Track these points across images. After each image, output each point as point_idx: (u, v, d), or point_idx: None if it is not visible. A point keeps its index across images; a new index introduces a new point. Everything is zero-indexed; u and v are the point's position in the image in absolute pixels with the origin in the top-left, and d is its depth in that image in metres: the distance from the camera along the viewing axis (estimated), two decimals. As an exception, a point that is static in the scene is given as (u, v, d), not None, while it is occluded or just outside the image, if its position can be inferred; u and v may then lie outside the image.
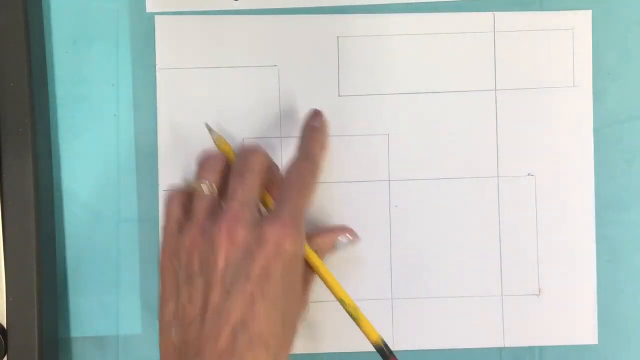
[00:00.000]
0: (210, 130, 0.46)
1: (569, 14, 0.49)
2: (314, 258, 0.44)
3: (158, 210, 0.49)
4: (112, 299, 0.49)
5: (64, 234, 0.49)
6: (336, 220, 0.49)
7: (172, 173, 0.49)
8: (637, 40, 0.50)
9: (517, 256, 0.49)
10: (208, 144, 0.49)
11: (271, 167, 0.44)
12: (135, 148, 0.49)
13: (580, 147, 0.50)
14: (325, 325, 0.50)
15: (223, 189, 0.42)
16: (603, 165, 0.50)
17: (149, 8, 0.49)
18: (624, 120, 0.50)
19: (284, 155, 0.49)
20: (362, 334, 0.45)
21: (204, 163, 0.44)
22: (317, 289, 0.49)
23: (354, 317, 0.45)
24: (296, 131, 0.49)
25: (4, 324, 0.45)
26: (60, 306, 0.49)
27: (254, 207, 0.41)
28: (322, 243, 0.46)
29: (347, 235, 0.48)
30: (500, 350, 0.50)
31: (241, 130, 0.49)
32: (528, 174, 0.50)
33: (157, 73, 0.49)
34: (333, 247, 0.47)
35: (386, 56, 0.49)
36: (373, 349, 0.47)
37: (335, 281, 0.45)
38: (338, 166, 0.49)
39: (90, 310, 0.49)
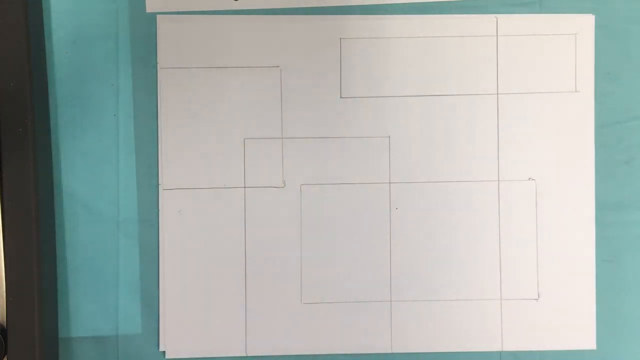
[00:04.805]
0: None
1: (572, 17, 0.49)
2: None
3: (158, 210, 0.49)
4: (112, 299, 0.49)
5: (64, 234, 0.49)
6: (336, 221, 0.49)
7: (173, 173, 0.49)
8: (636, 40, 0.50)
9: (516, 260, 0.50)
10: (209, 144, 0.49)
11: None
12: (135, 148, 0.49)
13: (581, 153, 0.50)
14: (325, 326, 0.50)
15: None
16: (603, 166, 0.50)
17: (149, 8, 0.49)
18: (623, 120, 0.50)
19: (285, 156, 0.49)
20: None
21: None
22: (317, 288, 0.49)
23: None
24: (298, 132, 0.49)
25: (4, 324, 0.45)
26: (60, 306, 0.49)
27: None
28: None
29: None
30: (500, 353, 0.50)
31: (242, 130, 0.49)
32: (529, 179, 0.50)
33: (158, 72, 0.49)
34: None
35: (388, 58, 0.49)
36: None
37: None
38: (339, 168, 0.49)
39: (90, 310, 0.49)
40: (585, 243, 0.50)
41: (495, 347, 0.50)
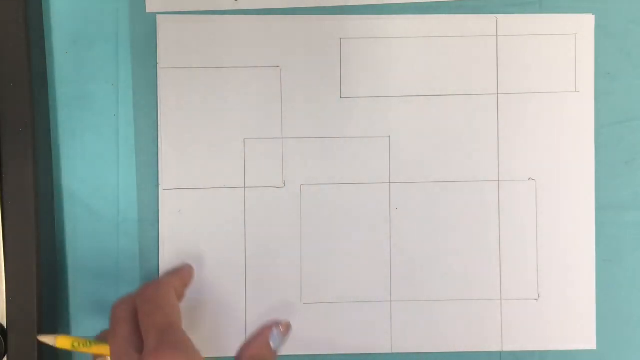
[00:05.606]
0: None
1: (572, 17, 0.49)
2: None
3: (158, 210, 0.49)
4: (112, 299, 0.49)
5: (64, 234, 0.49)
6: (336, 221, 0.49)
7: (173, 173, 0.49)
8: (636, 40, 0.50)
9: (516, 260, 0.50)
10: (209, 144, 0.49)
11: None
12: (135, 148, 0.49)
13: (581, 153, 0.50)
14: (324, 326, 0.50)
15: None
16: (603, 166, 0.50)
17: (149, 8, 0.49)
18: (623, 120, 0.50)
19: (285, 156, 0.49)
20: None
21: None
22: (317, 288, 0.49)
23: None
24: (298, 132, 0.49)
25: (4, 324, 0.45)
26: (60, 306, 0.49)
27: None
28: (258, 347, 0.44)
29: (280, 328, 0.45)
30: (500, 354, 0.50)
31: (242, 130, 0.49)
32: (529, 179, 0.50)
33: (158, 72, 0.49)
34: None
35: (388, 58, 0.49)
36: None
37: None
38: (339, 168, 0.49)
39: (90, 310, 0.49)
40: (585, 243, 0.50)
41: (495, 347, 0.50)
